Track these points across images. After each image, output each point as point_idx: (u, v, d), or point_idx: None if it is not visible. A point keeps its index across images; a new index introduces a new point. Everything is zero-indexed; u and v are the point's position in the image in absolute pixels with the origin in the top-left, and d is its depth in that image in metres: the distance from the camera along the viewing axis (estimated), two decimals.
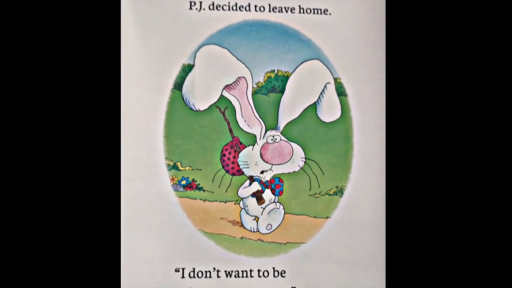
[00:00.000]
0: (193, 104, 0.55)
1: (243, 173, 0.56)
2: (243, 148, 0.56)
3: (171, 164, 0.55)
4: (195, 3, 0.56)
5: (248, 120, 0.56)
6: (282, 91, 0.56)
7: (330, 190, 0.57)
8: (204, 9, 0.56)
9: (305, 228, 0.57)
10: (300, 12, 0.57)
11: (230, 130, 0.56)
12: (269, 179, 0.57)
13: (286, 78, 0.56)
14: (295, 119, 0.57)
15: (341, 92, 0.57)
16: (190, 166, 0.55)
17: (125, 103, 0.54)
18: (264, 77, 0.56)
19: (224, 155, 0.56)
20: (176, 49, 0.55)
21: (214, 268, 0.55)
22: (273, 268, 0.56)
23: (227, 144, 0.56)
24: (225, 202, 0.56)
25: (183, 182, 0.55)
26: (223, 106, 0.56)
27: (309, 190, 0.57)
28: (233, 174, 0.56)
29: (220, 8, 0.56)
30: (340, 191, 0.57)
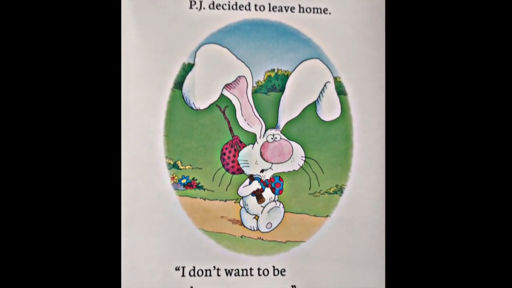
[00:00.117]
0: (193, 103, 0.55)
1: (243, 172, 0.57)
2: (243, 147, 0.56)
3: (171, 163, 0.55)
4: (195, 3, 0.56)
5: (248, 119, 0.56)
6: (282, 90, 0.56)
7: (330, 189, 0.57)
8: (204, 8, 0.56)
9: (305, 227, 0.57)
10: (300, 12, 0.57)
11: (230, 129, 0.56)
12: (269, 178, 0.57)
13: (286, 77, 0.56)
14: (295, 118, 0.57)
15: (340, 91, 0.57)
16: (190, 165, 0.55)
17: (125, 102, 0.54)
18: (264, 76, 0.56)
19: (224, 154, 0.56)
20: (176, 48, 0.55)
21: (214, 267, 0.55)
22: (273, 267, 0.56)
23: (227, 143, 0.56)
24: (225, 201, 0.56)
25: (183, 181, 0.55)
26: (223, 105, 0.56)
27: (309, 188, 0.57)
28: (233, 173, 0.56)
29: (220, 7, 0.56)
30: (339, 190, 0.57)
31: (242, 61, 0.56)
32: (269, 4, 0.57)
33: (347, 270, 0.57)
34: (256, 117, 0.56)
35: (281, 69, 0.56)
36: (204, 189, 0.56)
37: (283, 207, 0.57)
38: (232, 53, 0.56)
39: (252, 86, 0.56)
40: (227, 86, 0.55)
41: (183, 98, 0.55)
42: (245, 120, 0.56)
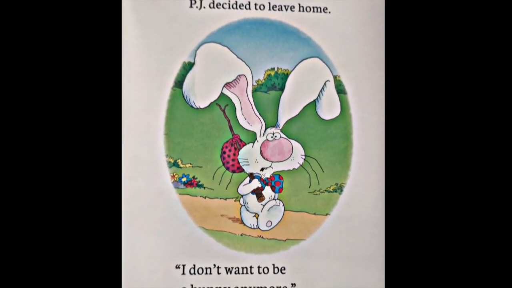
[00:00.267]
0: (194, 101, 0.55)
1: (243, 170, 0.57)
2: (243, 146, 0.57)
3: (172, 161, 0.55)
4: (195, 2, 0.56)
5: (248, 118, 0.56)
6: (282, 89, 0.56)
7: (329, 187, 0.57)
8: (204, 7, 0.56)
9: (304, 225, 0.57)
10: (300, 10, 0.57)
11: (230, 128, 0.56)
12: (269, 176, 0.57)
13: (286, 76, 0.56)
14: (294, 116, 0.57)
15: (340, 89, 0.58)
16: (190, 164, 0.56)
17: (126, 101, 0.54)
18: (264, 75, 0.56)
19: (225, 152, 0.56)
20: (177, 47, 0.55)
21: (215, 265, 0.56)
22: (273, 265, 0.56)
23: (227, 142, 0.56)
24: (225, 199, 0.56)
25: (184, 179, 0.55)
26: (223, 103, 0.56)
27: (309, 187, 0.57)
28: (233, 171, 0.56)
29: (220, 6, 0.56)
30: (339, 188, 0.57)
31: (242, 60, 0.56)
32: (269, 3, 0.57)
33: (346, 268, 0.57)
34: (256, 115, 0.56)
35: (281, 68, 0.56)
36: (205, 188, 0.56)
37: (283, 205, 0.57)
38: (232, 52, 0.56)
39: (252, 85, 0.56)
40: (227, 84, 0.55)
41: (184, 97, 0.55)
42: (245, 119, 0.56)
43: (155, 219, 0.55)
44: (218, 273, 0.55)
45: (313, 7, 0.57)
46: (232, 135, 0.56)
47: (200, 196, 0.56)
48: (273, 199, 0.57)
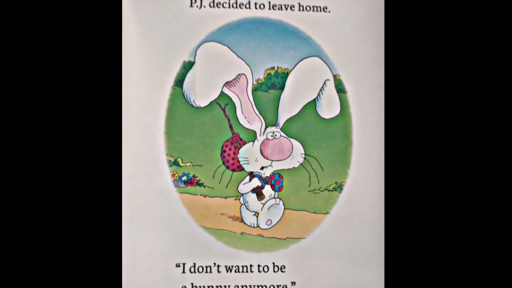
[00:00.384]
0: (194, 100, 0.55)
1: (243, 169, 0.57)
2: (243, 144, 0.57)
3: (172, 160, 0.55)
4: (195, 1, 0.56)
5: (248, 117, 0.56)
6: (282, 88, 0.57)
7: (329, 186, 0.57)
8: (204, 6, 0.56)
9: (304, 224, 0.57)
10: (299, 10, 0.57)
11: (230, 127, 0.56)
12: (269, 175, 0.57)
13: (286, 75, 0.57)
14: (294, 115, 0.57)
15: (340, 88, 0.58)
16: (190, 162, 0.56)
17: (126, 100, 0.55)
18: (264, 74, 0.56)
19: (225, 151, 0.56)
20: (177, 46, 0.55)
21: (215, 263, 0.56)
22: (273, 263, 0.56)
23: (227, 140, 0.56)
24: (226, 198, 0.56)
25: (184, 178, 0.56)
26: (223, 102, 0.56)
27: (309, 186, 0.57)
28: (233, 170, 0.57)
29: (221, 5, 0.56)
30: (339, 187, 0.58)
31: (242, 59, 0.56)
32: (269, 2, 0.57)
33: (346, 266, 0.57)
34: (256, 114, 0.56)
35: (281, 67, 0.57)
36: (205, 186, 0.56)
37: (283, 204, 0.57)
38: (232, 51, 0.56)
39: (252, 84, 0.56)
40: (227, 84, 0.56)
41: (184, 95, 0.55)
42: (245, 118, 0.56)
43: (155, 217, 0.55)
44: (218, 271, 0.56)
45: (313, 6, 0.58)
46: (232, 134, 0.56)
47: (200, 195, 0.56)
48: (273, 197, 0.57)
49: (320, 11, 0.58)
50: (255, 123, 0.56)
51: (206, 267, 0.55)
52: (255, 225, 0.57)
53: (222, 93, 0.56)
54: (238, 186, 0.57)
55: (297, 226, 0.57)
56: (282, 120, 0.57)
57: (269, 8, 0.57)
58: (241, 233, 0.57)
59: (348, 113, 0.58)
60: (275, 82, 0.57)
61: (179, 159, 0.56)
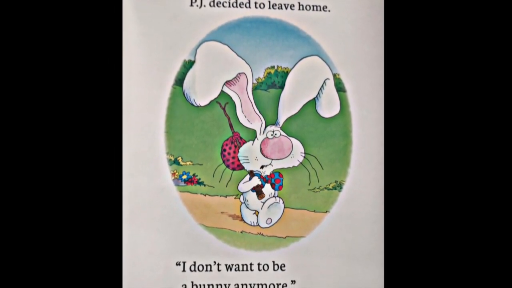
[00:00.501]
0: (194, 99, 0.55)
1: (243, 168, 0.57)
2: (243, 143, 0.57)
3: (172, 159, 0.56)
4: (195, 0, 0.56)
5: (248, 116, 0.56)
6: (282, 87, 0.57)
7: (329, 185, 0.58)
8: (204, 6, 0.56)
9: (304, 222, 0.57)
10: (299, 9, 0.58)
11: (231, 126, 0.56)
12: (269, 174, 0.57)
13: (285, 74, 0.57)
14: (294, 114, 0.57)
15: (340, 87, 0.58)
16: (191, 161, 0.56)
17: (126, 99, 0.55)
18: (264, 73, 0.57)
19: (225, 150, 0.56)
20: (177, 45, 0.56)
21: (215, 262, 0.56)
22: (273, 262, 0.57)
23: (227, 139, 0.56)
24: (226, 197, 0.57)
25: (184, 177, 0.56)
26: (223, 101, 0.56)
27: (309, 184, 0.57)
28: (234, 169, 0.57)
29: (221, 5, 0.57)
30: (339, 186, 0.58)
31: (242, 58, 0.56)
32: (269, 1, 0.57)
33: (346, 265, 0.57)
34: (256, 113, 0.57)
35: (281, 66, 0.57)
36: (205, 185, 0.56)
37: (283, 202, 0.57)
38: (232, 50, 0.56)
39: (252, 83, 0.56)
40: (227, 83, 0.56)
41: (184, 94, 0.55)
42: (245, 117, 0.56)
43: (155, 216, 0.55)
44: (218, 270, 0.56)
45: (313, 6, 0.58)
46: (232, 133, 0.56)
47: (201, 194, 0.56)
48: (273, 196, 0.58)
49: (320, 10, 0.58)
50: (255, 122, 0.57)
51: (206, 265, 0.56)
52: (255, 224, 0.57)
53: (222, 92, 0.56)
54: (238, 185, 0.57)
55: (297, 224, 0.57)
56: (282, 119, 0.57)
57: (269, 8, 0.57)
58: (241, 232, 0.57)
59: (347, 112, 0.58)
60: (275, 81, 0.57)
61: (179, 158, 0.56)
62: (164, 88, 0.55)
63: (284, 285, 0.56)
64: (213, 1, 0.56)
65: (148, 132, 0.55)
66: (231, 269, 0.56)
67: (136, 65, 0.55)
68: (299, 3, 0.58)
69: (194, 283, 0.55)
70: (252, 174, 0.57)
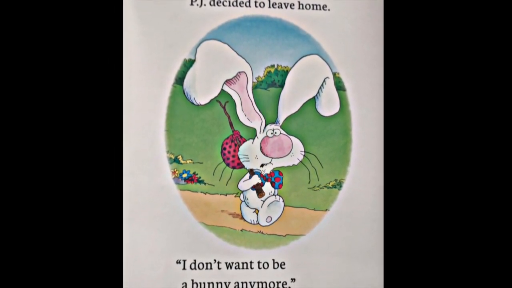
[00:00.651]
0: (194, 98, 0.55)
1: (243, 166, 0.57)
2: (243, 142, 0.57)
3: (173, 157, 0.56)
4: None
5: (248, 114, 0.56)
6: (281, 85, 0.57)
7: (329, 183, 0.58)
8: (205, 5, 0.56)
9: (304, 221, 0.57)
10: (299, 8, 0.58)
11: (231, 124, 0.57)
12: (269, 172, 0.58)
13: (285, 72, 0.57)
14: (294, 113, 0.57)
15: (340, 86, 0.58)
16: (191, 160, 0.56)
17: (127, 97, 0.55)
18: (264, 71, 0.57)
19: (225, 148, 0.56)
20: (177, 44, 0.56)
21: (215, 260, 0.56)
22: (273, 260, 0.57)
23: (227, 138, 0.56)
24: (226, 195, 0.57)
25: (184, 175, 0.56)
26: (223, 100, 0.56)
27: (308, 183, 0.57)
28: (234, 168, 0.57)
29: (221, 4, 0.57)
30: (338, 184, 0.58)
31: (242, 57, 0.56)
32: (269, 0, 0.57)
33: (346, 263, 0.57)
34: (256, 112, 0.57)
35: (281, 65, 0.57)
36: (205, 183, 0.56)
37: (283, 201, 0.58)
38: (233, 49, 0.56)
39: (252, 82, 0.56)
40: (227, 81, 0.56)
41: (184, 93, 0.56)
42: (245, 115, 0.56)
43: (156, 214, 0.55)
44: (219, 268, 0.56)
45: (313, 5, 0.58)
46: (232, 132, 0.57)
47: (201, 192, 0.56)
48: (273, 194, 0.58)
49: (320, 9, 0.58)
50: (255, 121, 0.57)
51: (207, 263, 0.56)
52: (255, 222, 0.57)
53: (222, 91, 0.56)
54: (238, 183, 0.57)
55: (297, 223, 0.57)
56: (282, 117, 0.57)
57: (269, 6, 0.57)
58: (241, 230, 0.57)
59: (347, 110, 0.58)
60: (275, 80, 0.57)
61: (180, 156, 0.56)
62: (164, 87, 0.56)
63: (284, 283, 0.57)
64: (213, 0, 0.56)
65: (148, 130, 0.55)
66: (231, 267, 0.56)
67: (137, 64, 0.55)
68: (299, 2, 0.58)
69: (194, 281, 0.55)
70: (252, 172, 0.57)
